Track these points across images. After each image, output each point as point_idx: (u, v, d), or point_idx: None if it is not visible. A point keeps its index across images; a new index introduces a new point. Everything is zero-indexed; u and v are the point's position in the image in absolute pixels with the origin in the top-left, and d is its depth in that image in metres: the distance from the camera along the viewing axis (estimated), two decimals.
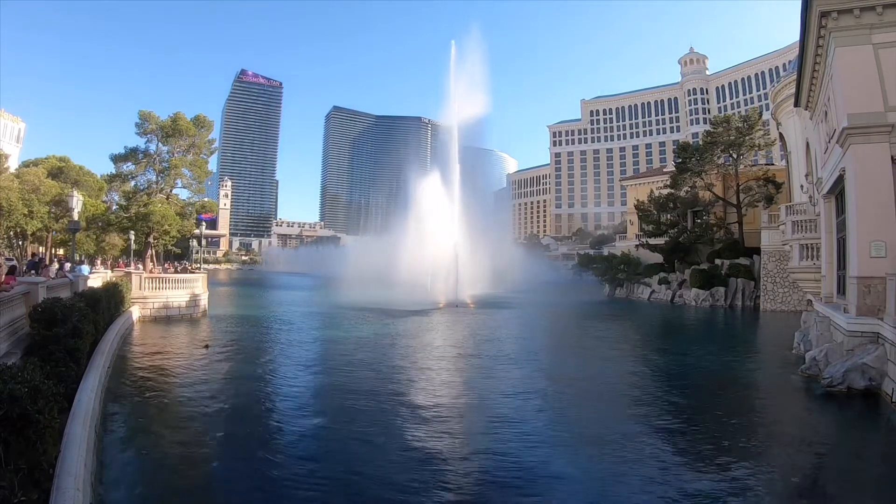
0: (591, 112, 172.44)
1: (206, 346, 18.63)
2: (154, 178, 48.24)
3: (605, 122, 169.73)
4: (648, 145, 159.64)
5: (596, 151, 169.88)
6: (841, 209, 16.26)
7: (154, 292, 26.98)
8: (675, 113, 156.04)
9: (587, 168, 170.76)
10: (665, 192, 48.82)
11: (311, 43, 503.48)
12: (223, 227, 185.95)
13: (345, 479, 7.64)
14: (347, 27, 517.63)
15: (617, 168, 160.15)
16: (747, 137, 43.24)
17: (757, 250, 38.79)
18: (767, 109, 47.90)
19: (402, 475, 7.75)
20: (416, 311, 33.08)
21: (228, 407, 11.49)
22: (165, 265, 49.29)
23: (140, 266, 42.88)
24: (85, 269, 25.59)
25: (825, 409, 11.97)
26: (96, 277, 25.15)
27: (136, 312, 24.90)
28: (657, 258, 48.93)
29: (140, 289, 26.40)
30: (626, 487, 7.50)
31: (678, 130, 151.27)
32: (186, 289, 28.48)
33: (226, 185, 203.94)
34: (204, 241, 53.82)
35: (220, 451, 8.89)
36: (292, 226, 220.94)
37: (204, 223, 51.50)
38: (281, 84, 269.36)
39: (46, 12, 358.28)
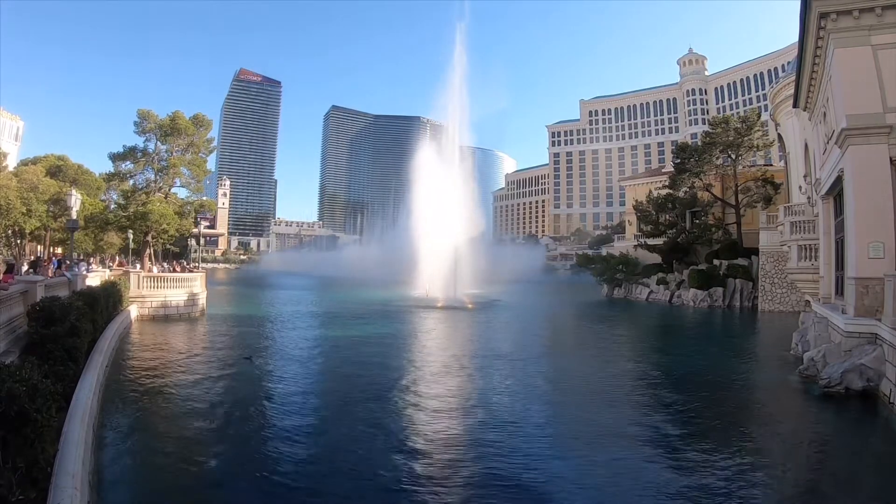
0: (590, 112, 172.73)
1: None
2: (153, 176, 48.05)
3: (603, 123, 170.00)
4: (647, 146, 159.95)
5: (595, 151, 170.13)
6: (839, 210, 16.28)
7: (152, 291, 26.92)
8: (674, 113, 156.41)
9: (586, 168, 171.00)
10: (664, 192, 48.81)
11: (310, 42, 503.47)
12: (222, 226, 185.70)
13: (345, 480, 7.63)
14: (347, 26, 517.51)
15: (616, 168, 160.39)
16: (746, 138, 43.31)
17: (755, 251, 38.84)
18: (766, 110, 47.91)
19: (405, 479, 7.75)
20: (415, 310, 33.10)
21: (227, 406, 11.46)
22: (165, 264, 49.15)
23: (138, 265, 42.87)
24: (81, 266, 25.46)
25: (823, 410, 11.99)
26: (94, 276, 25.08)
27: (134, 311, 24.86)
28: (655, 258, 48.94)
29: (138, 287, 26.36)
30: (623, 487, 7.52)
31: (677, 131, 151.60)
32: (185, 288, 28.42)
33: (224, 185, 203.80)
34: (202, 241, 53.66)
35: (218, 450, 8.86)
36: (290, 225, 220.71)
37: (202, 222, 51.40)
38: (280, 83, 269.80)
39: (45, 10, 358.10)
